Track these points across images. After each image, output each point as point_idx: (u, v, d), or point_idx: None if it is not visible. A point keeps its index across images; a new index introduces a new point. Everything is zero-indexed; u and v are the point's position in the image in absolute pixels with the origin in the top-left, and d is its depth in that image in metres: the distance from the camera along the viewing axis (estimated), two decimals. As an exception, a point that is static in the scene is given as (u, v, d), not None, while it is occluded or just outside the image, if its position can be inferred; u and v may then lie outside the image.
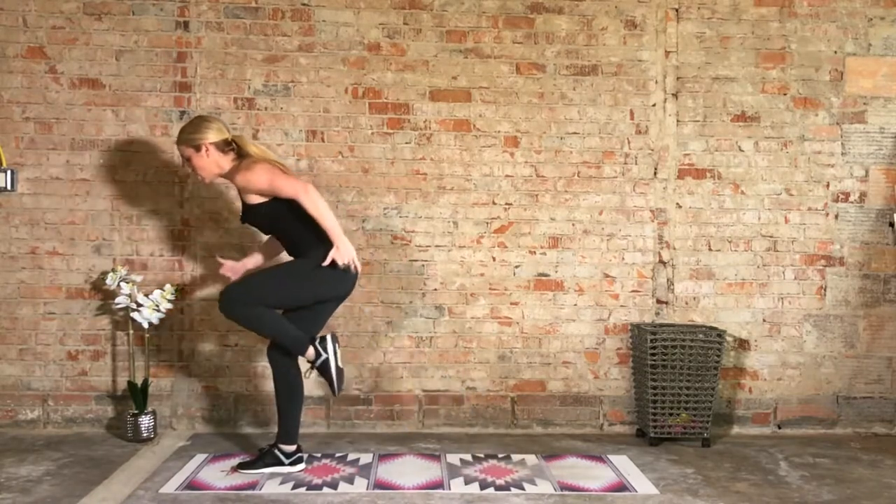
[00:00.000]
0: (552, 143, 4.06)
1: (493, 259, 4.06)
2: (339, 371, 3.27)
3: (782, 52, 4.11)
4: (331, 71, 4.01)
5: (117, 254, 3.97)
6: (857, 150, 4.13)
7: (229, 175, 3.29)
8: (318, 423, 4.01)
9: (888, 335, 4.14)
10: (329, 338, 3.26)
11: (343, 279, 3.25)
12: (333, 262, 3.17)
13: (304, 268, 3.22)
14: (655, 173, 4.09)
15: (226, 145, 3.27)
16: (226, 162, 3.28)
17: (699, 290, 4.10)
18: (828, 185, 4.13)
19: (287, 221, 3.24)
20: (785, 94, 4.11)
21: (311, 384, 3.86)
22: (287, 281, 3.22)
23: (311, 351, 3.24)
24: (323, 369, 3.25)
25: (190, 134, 3.24)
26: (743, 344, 4.11)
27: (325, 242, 3.19)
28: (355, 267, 3.24)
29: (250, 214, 3.28)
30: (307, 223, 3.19)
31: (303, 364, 3.32)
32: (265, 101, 3.99)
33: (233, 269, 3.55)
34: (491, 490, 3.12)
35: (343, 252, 3.16)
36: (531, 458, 3.55)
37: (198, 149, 3.23)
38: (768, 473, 3.38)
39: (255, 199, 3.21)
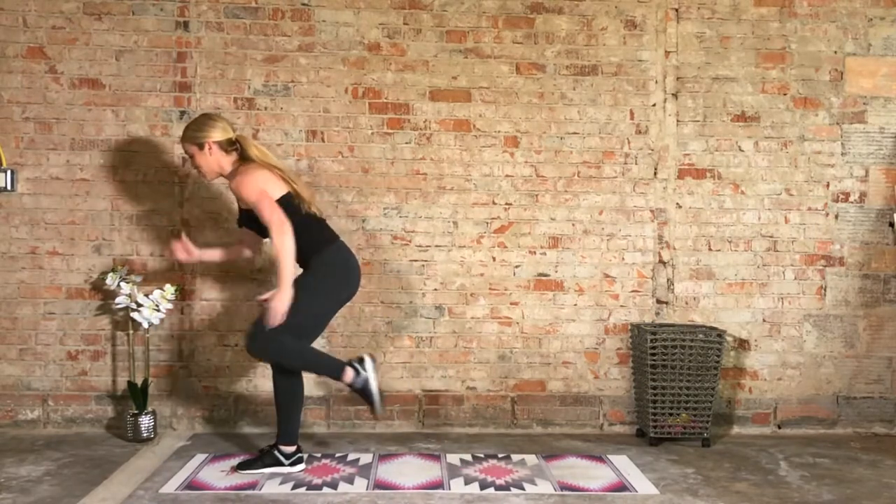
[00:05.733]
0: (552, 143, 4.06)
1: (493, 259, 4.06)
2: (380, 391, 3.26)
3: (782, 52, 4.11)
4: (331, 71, 4.01)
5: (117, 254, 3.97)
6: (857, 150, 4.13)
7: (229, 176, 3.29)
8: (318, 423, 4.01)
9: (888, 335, 4.14)
10: (367, 358, 3.26)
11: (346, 283, 3.26)
12: (327, 273, 3.18)
13: (309, 288, 3.19)
14: (655, 173, 4.09)
15: (229, 145, 3.26)
16: (227, 162, 3.28)
17: (699, 290, 4.10)
18: (828, 185, 4.13)
19: None
20: (785, 94, 4.11)
21: (311, 384, 3.87)
22: (301, 307, 3.17)
23: (349, 373, 3.23)
24: (364, 390, 3.23)
25: (194, 132, 3.24)
26: (743, 344, 4.11)
27: (321, 252, 3.20)
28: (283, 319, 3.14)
29: (246, 219, 3.28)
30: (301, 233, 3.19)
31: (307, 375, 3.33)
32: (265, 101, 3.99)
33: (187, 250, 3.44)
34: (491, 490, 3.12)
35: (281, 300, 3.08)
36: (531, 458, 3.55)
37: (201, 147, 3.23)
38: (768, 473, 3.38)
39: (249, 205, 3.21)
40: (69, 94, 3.94)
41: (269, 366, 3.36)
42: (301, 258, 3.27)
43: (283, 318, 3.11)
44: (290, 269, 3.11)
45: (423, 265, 4.04)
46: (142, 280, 3.89)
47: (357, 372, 3.24)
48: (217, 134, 3.23)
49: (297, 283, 3.19)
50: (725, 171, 4.10)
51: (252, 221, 3.27)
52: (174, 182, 3.98)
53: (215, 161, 3.25)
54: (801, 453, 3.69)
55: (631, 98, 4.08)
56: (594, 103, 4.07)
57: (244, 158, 3.27)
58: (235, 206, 3.87)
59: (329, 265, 3.23)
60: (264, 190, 3.15)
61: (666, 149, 4.09)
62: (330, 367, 3.25)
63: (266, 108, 3.99)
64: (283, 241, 3.09)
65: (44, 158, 3.95)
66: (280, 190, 3.19)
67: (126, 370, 3.91)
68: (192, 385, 4.00)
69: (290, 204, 3.18)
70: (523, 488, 3.15)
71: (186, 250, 3.45)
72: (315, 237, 3.23)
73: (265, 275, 3.99)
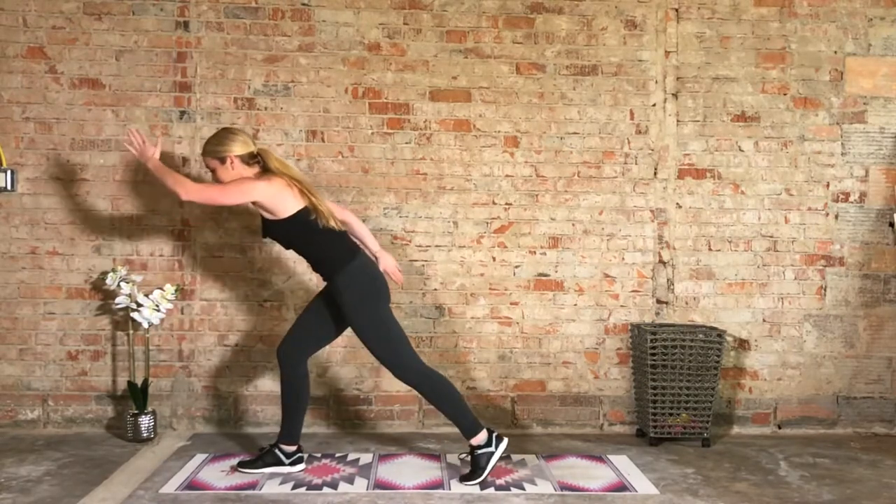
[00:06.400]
0: (552, 143, 4.06)
1: (493, 259, 4.06)
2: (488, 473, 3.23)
3: (782, 52, 4.11)
4: (331, 71, 4.01)
5: (117, 254, 3.97)
6: (857, 150, 4.13)
7: None
8: (318, 423, 4.01)
9: (888, 335, 4.14)
10: (505, 441, 3.27)
11: (378, 295, 3.25)
12: (360, 297, 3.18)
13: (363, 321, 3.21)
14: (655, 173, 4.09)
15: (251, 158, 3.23)
16: (249, 175, 3.23)
17: (699, 290, 4.10)
18: (828, 185, 4.13)
19: (302, 241, 3.23)
20: (785, 94, 4.11)
21: (312, 384, 3.85)
22: (372, 337, 3.22)
23: (483, 436, 3.22)
24: (479, 461, 3.20)
25: (215, 146, 3.21)
26: (743, 344, 4.11)
27: (341, 270, 3.18)
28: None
29: (267, 230, 3.27)
30: (321, 248, 3.20)
31: (310, 367, 3.33)
32: (265, 101, 3.99)
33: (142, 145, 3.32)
34: (491, 490, 3.12)
35: (148, 155, 3.26)
36: (531, 458, 3.55)
37: (223, 161, 3.19)
38: (768, 473, 3.38)
39: (270, 216, 3.19)
40: (69, 94, 3.94)
41: (277, 365, 3.35)
42: (323, 273, 3.28)
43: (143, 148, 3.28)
44: (171, 179, 3.16)
45: (423, 265, 4.04)
46: (142, 280, 3.89)
47: (490, 442, 3.22)
48: (238, 148, 3.20)
49: (349, 321, 3.23)
50: (725, 171, 4.10)
51: (274, 233, 3.25)
52: (174, 182, 3.97)
53: (237, 175, 3.20)
54: (801, 453, 3.69)
55: (631, 98, 4.08)
56: (594, 103, 4.07)
57: (265, 171, 3.25)
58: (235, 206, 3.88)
59: (356, 288, 3.20)
60: (234, 183, 3.15)
61: (666, 149, 4.09)
62: (467, 420, 3.24)
63: (266, 108, 3.99)
64: (204, 194, 3.16)
65: (44, 158, 3.95)
66: (296, 205, 3.17)
67: (126, 370, 3.91)
68: (192, 385, 4.00)
69: (306, 220, 3.17)
70: (523, 488, 3.15)
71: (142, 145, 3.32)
72: (334, 253, 3.22)
73: (265, 274, 3.99)
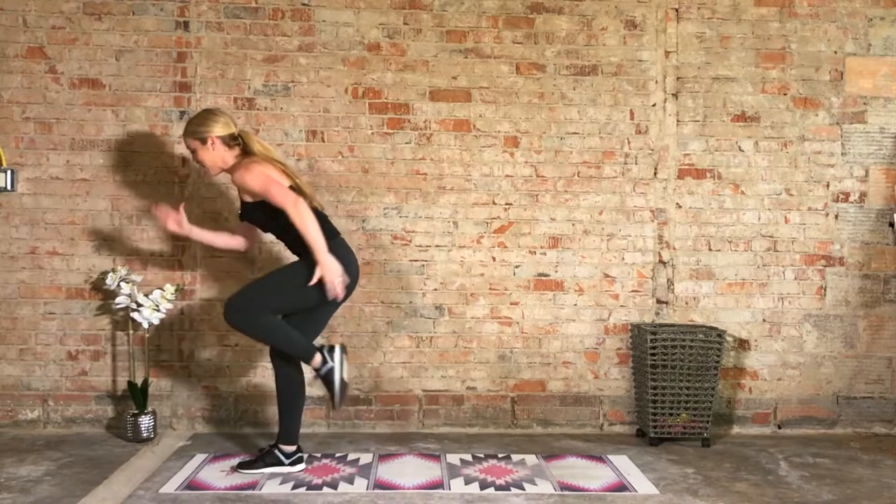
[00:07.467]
0: (552, 143, 4.06)
1: (493, 259, 4.06)
2: (343, 383, 3.25)
3: (782, 52, 4.11)
4: (331, 71, 4.01)
5: (117, 254, 3.97)
6: (857, 150, 4.13)
7: (231, 170, 3.29)
8: (318, 423, 4.01)
9: (888, 335, 4.14)
10: (338, 348, 3.26)
11: (347, 270, 3.25)
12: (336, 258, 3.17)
13: (301, 273, 3.19)
14: (655, 173, 4.09)
15: (232, 140, 3.27)
16: (230, 157, 3.28)
17: (699, 290, 4.10)
18: (828, 185, 4.13)
19: (283, 223, 3.22)
20: (785, 94, 4.11)
21: (312, 385, 3.86)
22: (286, 287, 3.21)
23: (318, 358, 3.24)
24: (327, 379, 3.24)
25: (197, 126, 3.24)
26: (743, 344, 4.11)
27: (327, 240, 3.19)
28: (345, 279, 3.19)
29: (247, 212, 3.29)
30: None
31: (307, 371, 3.34)
32: (265, 101, 3.99)
33: (178, 221, 3.40)
34: (491, 490, 3.12)
35: (327, 270, 3.11)
36: (531, 458, 3.55)
37: (203, 142, 3.23)
38: (768, 473, 3.38)
39: (252, 198, 3.21)
40: (69, 94, 3.94)
41: (271, 365, 3.36)
42: (303, 250, 3.27)
43: (341, 285, 3.15)
44: (320, 240, 3.11)
45: (423, 265, 4.04)
46: (142, 280, 3.89)
47: (325, 360, 3.24)
48: (219, 129, 3.23)
49: (292, 269, 3.22)
50: (725, 171, 4.11)
51: (254, 216, 3.27)
52: (174, 182, 3.98)
53: (218, 156, 3.26)
54: (801, 453, 3.69)
55: (631, 98, 4.08)
56: (594, 103, 4.07)
57: (247, 153, 3.28)
58: (236, 204, 3.88)
59: None
60: (268, 176, 3.15)
61: (666, 149, 4.09)
62: (300, 350, 3.24)
63: (266, 108, 3.99)
64: (300, 215, 3.09)
65: (44, 158, 3.95)
66: (284, 182, 3.20)
67: (126, 370, 3.91)
68: (192, 385, 4.00)
69: None
70: (523, 488, 3.15)
71: (177, 221, 3.40)
72: None
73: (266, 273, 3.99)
